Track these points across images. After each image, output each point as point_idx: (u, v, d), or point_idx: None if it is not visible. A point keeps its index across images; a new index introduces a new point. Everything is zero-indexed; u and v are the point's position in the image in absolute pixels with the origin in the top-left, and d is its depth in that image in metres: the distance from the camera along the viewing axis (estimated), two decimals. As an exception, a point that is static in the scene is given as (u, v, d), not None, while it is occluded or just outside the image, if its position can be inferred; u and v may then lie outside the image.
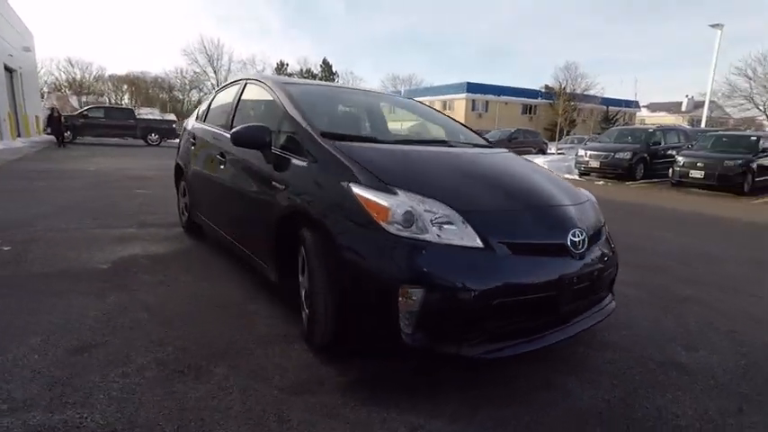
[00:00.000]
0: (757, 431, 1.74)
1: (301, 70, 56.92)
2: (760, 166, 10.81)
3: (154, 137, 20.21)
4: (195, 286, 2.92)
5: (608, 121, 39.46)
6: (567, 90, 40.20)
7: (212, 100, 4.05)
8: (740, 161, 10.56)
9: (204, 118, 4.01)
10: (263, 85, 3.05)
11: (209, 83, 55.96)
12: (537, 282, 1.78)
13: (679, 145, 13.64)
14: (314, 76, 56.80)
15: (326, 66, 57.47)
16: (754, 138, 11.41)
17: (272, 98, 2.85)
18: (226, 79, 60.18)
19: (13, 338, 2.12)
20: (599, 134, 23.53)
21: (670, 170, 11.79)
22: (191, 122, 4.32)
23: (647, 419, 1.78)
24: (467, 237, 1.75)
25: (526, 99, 43.28)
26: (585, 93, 40.57)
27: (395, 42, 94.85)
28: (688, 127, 19.95)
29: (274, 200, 2.36)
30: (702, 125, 20.74)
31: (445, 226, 1.76)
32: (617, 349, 2.35)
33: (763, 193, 10.69)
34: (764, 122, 31.89)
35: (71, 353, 2.03)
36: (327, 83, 3.84)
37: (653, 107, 60.21)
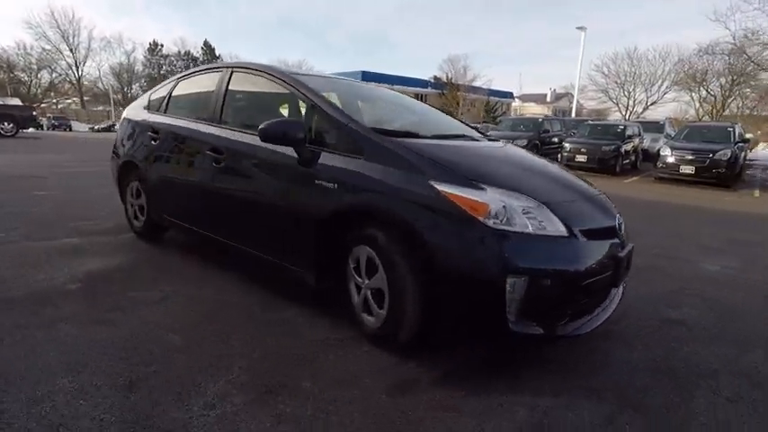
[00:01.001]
0: (759, 365, 2.19)
1: (179, 52, 51.94)
2: (626, 151, 12.92)
3: (7, 126, 16.86)
4: (202, 298, 2.63)
5: (489, 111, 43.31)
6: (453, 81, 43.01)
7: (173, 89, 3.58)
8: (613, 147, 12.48)
9: (165, 109, 3.54)
10: (264, 75, 2.81)
11: (63, 62, 48.14)
12: (606, 263, 2.00)
13: (560, 132, 15.62)
14: (195, 59, 52.29)
15: (208, 48, 53.29)
16: (622, 127, 13.56)
17: (286, 91, 2.66)
18: (86, 58, 52.46)
19: (33, 383, 1.72)
20: (486, 123, 25.75)
21: (558, 155, 13.45)
22: (139, 113, 3.78)
23: (690, 366, 2.12)
24: (555, 226, 1.89)
25: (417, 88, 45.19)
26: (473, 84, 43.73)
27: (272, 27, 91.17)
28: (564, 118, 22.77)
29: (317, 199, 2.23)
30: (573, 115, 23.89)
31: (537, 218, 1.87)
32: (619, 316, 2.71)
33: (627, 173, 12.80)
34: (615, 113, 37.73)
35: (122, 390, 1.72)
36: (326, 75, 3.66)
37: (524, 98, 67.29)
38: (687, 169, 10.82)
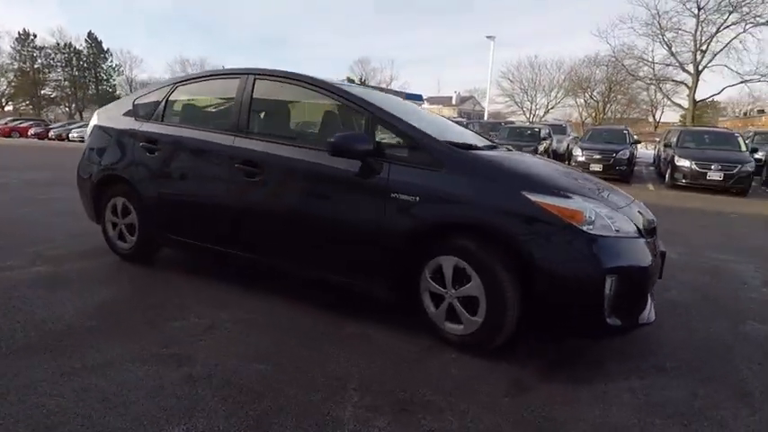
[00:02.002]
0: (757, 334, 2.66)
1: (58, 44, 45.72)
2: (543, 151, 14.28)
3: None
4: (256, 322, 2.46)
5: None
6: (367, 83, 43.78)
7: (168, 94, 3.24)
8: (532, 147, 13.71)
9: (161, 117, 3.21)
10: (303, 85, 2.69)
11: None
12: (657, 257, 2.30)
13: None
14: (78, 53, 46.49)
15: (95, 42, 47.63)
16: (537, 129, 14.96)
17: (335, 102, 2.64)
18: None
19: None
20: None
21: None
22: (121, 121, 3.36)
23: (716, 337, 2.50)
24: (629, 227, 2.12)
25: (331, 90, 45.01)
26: (388, 87, 44.75)
27: (168, 21, 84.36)
28: (481, 120, 24.36)
29: (395, 213, 2.23)
30: (485, 118, 25.68)
31: (616, 221, 2.09)
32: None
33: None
34: (518, 116, 41.14)
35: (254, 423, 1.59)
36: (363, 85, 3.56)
37: (431, 101, 70.48)
38: (596, 167, 12.28)
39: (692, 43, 22.37)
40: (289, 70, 2.80)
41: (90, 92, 47.29)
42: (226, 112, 2.89)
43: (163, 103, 3.24)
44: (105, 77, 48.56)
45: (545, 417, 1.75)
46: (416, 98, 53.18)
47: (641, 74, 25.76)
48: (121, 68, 48.92)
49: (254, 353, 2.12)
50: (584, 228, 1.98)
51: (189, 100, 3.22)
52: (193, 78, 3.26)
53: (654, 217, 2.53)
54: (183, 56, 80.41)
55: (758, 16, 20.09)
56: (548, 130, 15.48)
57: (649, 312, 2.22)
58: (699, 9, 21.50)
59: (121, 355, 2.03)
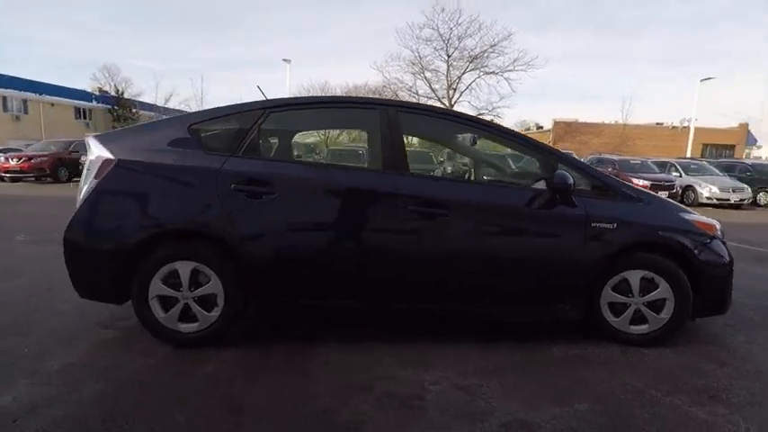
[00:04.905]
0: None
1: None
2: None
3: None
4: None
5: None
6: (118, 94, 37.49)
7: (259, 122, 2.53)
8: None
9: (255, 151, 2.54)
10: (480, 128, 2.78)
11: None
12: None
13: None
14: None
15: None
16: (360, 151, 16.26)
17: (509, 141, 2.78)
18: None
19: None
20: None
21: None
22: (170, 155, 2.45)
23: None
24: (719, 229, 3.00)
25: (79, 101, 36.76)
26: (140, 99, 39.08)
27: None
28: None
29: (596, 239, 2.55)
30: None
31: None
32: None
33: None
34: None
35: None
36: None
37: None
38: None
39: (446, 82, 28.34)
40: (443, 107, 2.72)
41: None
42: (372, 147, 2.54)
43: (253, 133, 2.53)
44: None
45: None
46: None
47: (412, 103, 30.61)
48: None
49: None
50: (719, 234, 2.78)
51: (293, 130, 2.63)
52: (295, 105, 2.67)
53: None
54: None
55: (486, 67, 27.26)
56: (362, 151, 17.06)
57: None
58: (448, 57, 27.54)
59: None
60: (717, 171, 14.67)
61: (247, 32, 68.84)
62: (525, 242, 2.58)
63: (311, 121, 2.82)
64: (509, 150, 3.09)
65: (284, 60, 23.90)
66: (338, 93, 36.37)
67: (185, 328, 2.47)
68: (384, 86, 29.31)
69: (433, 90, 28.63)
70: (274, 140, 2.70)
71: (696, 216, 2.77)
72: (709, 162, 16.34)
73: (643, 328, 2.70)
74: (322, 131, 22.14)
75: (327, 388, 2.11)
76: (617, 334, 2.70)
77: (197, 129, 2.54)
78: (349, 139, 24.90)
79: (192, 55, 67.85)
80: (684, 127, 30.00)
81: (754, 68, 64.33)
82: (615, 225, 2.57)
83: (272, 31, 69.68)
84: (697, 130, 26.11)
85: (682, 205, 2.92)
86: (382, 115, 2.59)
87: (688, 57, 67.18)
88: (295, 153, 2.87)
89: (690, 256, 2.63)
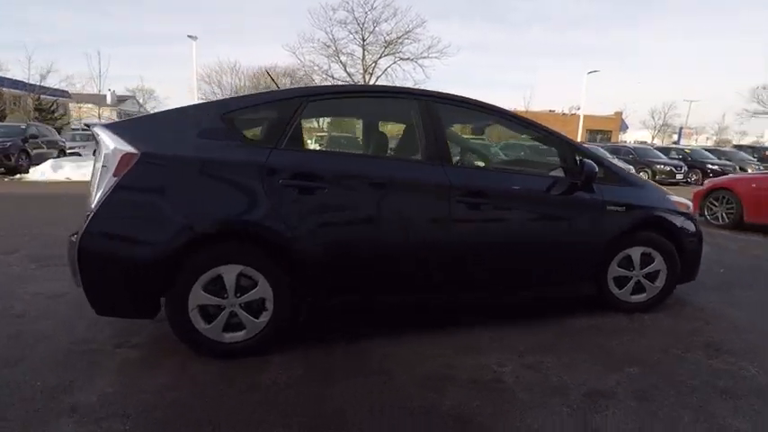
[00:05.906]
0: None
1: None
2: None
3: None
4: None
5: (43, 111, 34.67)
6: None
7: (299, 112, 2.37)
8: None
9: (296, 142, 2.41)
10: (504, 121, 2.87)
11: None
12: None
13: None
14: None
15: None
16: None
17: (535, 134, 2.94)
18: None
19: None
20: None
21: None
22: (205, 147, 2.22)
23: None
24: None
25: None
26: (15, 78, 33.32)
27: None
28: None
29: (610, 220, 2.86)
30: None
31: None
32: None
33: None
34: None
35: None
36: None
37: (78, 98, 57.54)
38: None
39: (362, 66, 28.23)
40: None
41: None
42: (410, 138, 2.52)
43: (294, 124, 2.37)
44: None
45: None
46: (60, 95, 41.97)
47: (329, 87, 29.97)
48: None
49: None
50: (696, 215, 3.27)
51: (332, 120, 2.54)
52: (334, 93, 2.54)
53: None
54: None
55: (401, 53, 27.69)
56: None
57: None
58: (363, 41, 27.40)
59: None
60: (608, 154, 16.89)
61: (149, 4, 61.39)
62: (560, 226, 2.80)
63: (349, 111, 2.71)
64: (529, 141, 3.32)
65: (189, 37, 21.89)
66: (248, 74, 34.40)
67: (231, 337, 2.27)
68: (297, 69, 28.28)
69: (348, 74, 28.38)
70: (322, 131, 2.55)
71: (675, 197, 3.22)
72: (598, 146, 18.69)
73: (641, 297, 3.10)
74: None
75: (407, 381, 2.12)
76: (621, 304, 3.06)
77: (231, 118, 2.30)
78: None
79: (81, 26, 58.72)
80: (573, 114, 33.64)
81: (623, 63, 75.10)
82: (624, 208, 2.90)
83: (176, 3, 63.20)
84: (584, 117, 29.45)
85: (663, 188, 3.36)
86: (422, 105, 2.59)
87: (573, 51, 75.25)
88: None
89: (675, 232, 3.07)
